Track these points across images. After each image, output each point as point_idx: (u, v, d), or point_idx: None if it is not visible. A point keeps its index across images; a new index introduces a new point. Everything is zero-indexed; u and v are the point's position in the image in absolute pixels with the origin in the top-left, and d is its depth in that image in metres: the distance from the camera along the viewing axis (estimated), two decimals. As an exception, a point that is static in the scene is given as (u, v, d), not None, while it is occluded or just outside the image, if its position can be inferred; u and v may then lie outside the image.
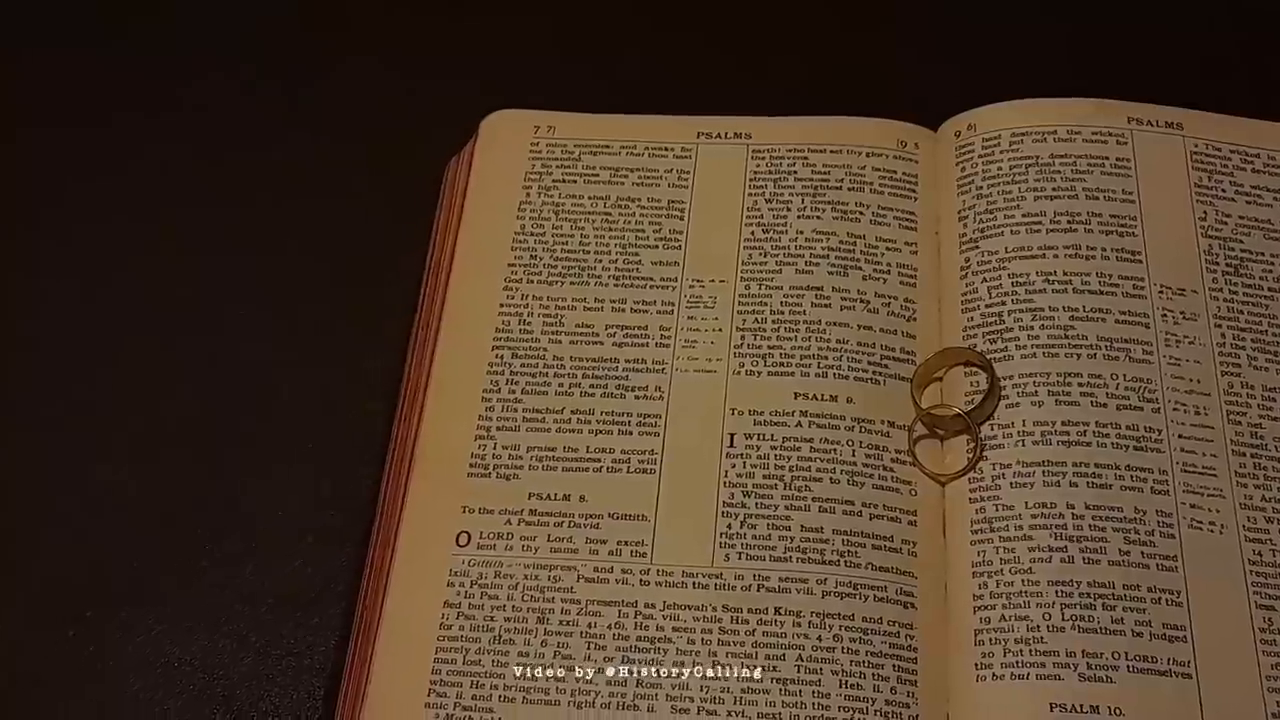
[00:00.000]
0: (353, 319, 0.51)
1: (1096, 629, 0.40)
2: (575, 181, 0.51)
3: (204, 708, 0.43)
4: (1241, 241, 0.48)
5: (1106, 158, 0.49)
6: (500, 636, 0.42)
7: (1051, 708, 0.39)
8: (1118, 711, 0.39)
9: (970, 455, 0.44)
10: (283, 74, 0.58)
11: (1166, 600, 0.41)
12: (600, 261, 0.49)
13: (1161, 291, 0.46)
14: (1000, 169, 0.49)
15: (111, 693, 0.44)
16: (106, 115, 0.57)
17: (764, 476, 0.44)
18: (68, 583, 0.46)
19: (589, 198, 0.51)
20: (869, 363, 0.46)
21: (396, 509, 0.44)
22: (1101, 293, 0.46)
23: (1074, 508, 0.42)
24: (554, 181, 0.51)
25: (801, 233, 0.49)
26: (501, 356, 0.47)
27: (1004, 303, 0.46)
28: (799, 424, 0.45)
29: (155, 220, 0.54)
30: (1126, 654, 0.40)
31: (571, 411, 0.46)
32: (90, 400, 0.49)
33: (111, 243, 0.53)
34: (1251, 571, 0.42)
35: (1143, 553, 0.42)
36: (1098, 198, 0.48)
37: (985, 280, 0.47)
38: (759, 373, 0.46)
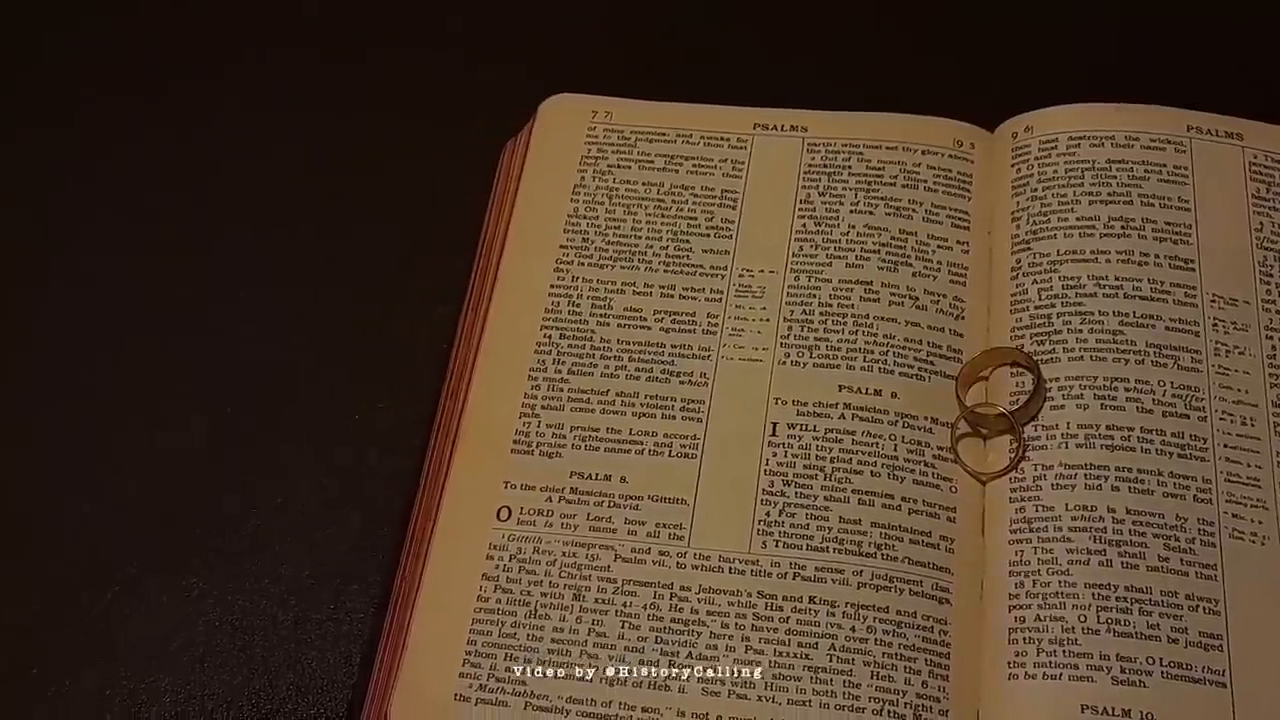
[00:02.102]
0: (404, 295, 0.51)
1: (1132, 633, 0.40)
2: (630, 167, 0.51)
3: (240, 668, 0.44)
4: (1297, 254, 0.47)
5: (1164, 165, 0.49)
6: (536, 611, 0.42)
7: (1083, 709, 0.39)
8: (1149, 717, 0.39)
9: (1013, 455, 0.44)
10: (342, 53, 0.59)
11: (1204, 608, 0.41)
12: (651, 247, 0.49)
13: (1213, 301, 0.46)
14: (1056, 171, 0.49)
15: (148, 650, 0.44)
16: (189, 78, 0.58)
17: (805, 466, 0.44)
18: (111, 540, 0.46)
19: (643, 184, 0.51)
20: (915, 359, 0.46)
21: (440, 482, 0.45)
22: (1152, 299, 0.46)
23: (1114, 512, 0.42)
24: (609, 167, 0.51)
25: (853, 227, 0.49)
26: (549, 337, 0.47)
27: (1054, 305, 0.46)
28: (842, 416, 0.45)
29: (197, 197, 0.55)
30: (1161, 660, 0.40)
31: (616, 394, 0.46)
32: (141, 357, 0.50)
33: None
34: (1292, 584, 0.41)
35: (1182, 560, 0.41)
36: (1153, 204, 0.48)
37: (1036, 282, 0.47)
38: (804, 364, 0.46)
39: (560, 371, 0.47)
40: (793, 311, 0.47)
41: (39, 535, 0.47)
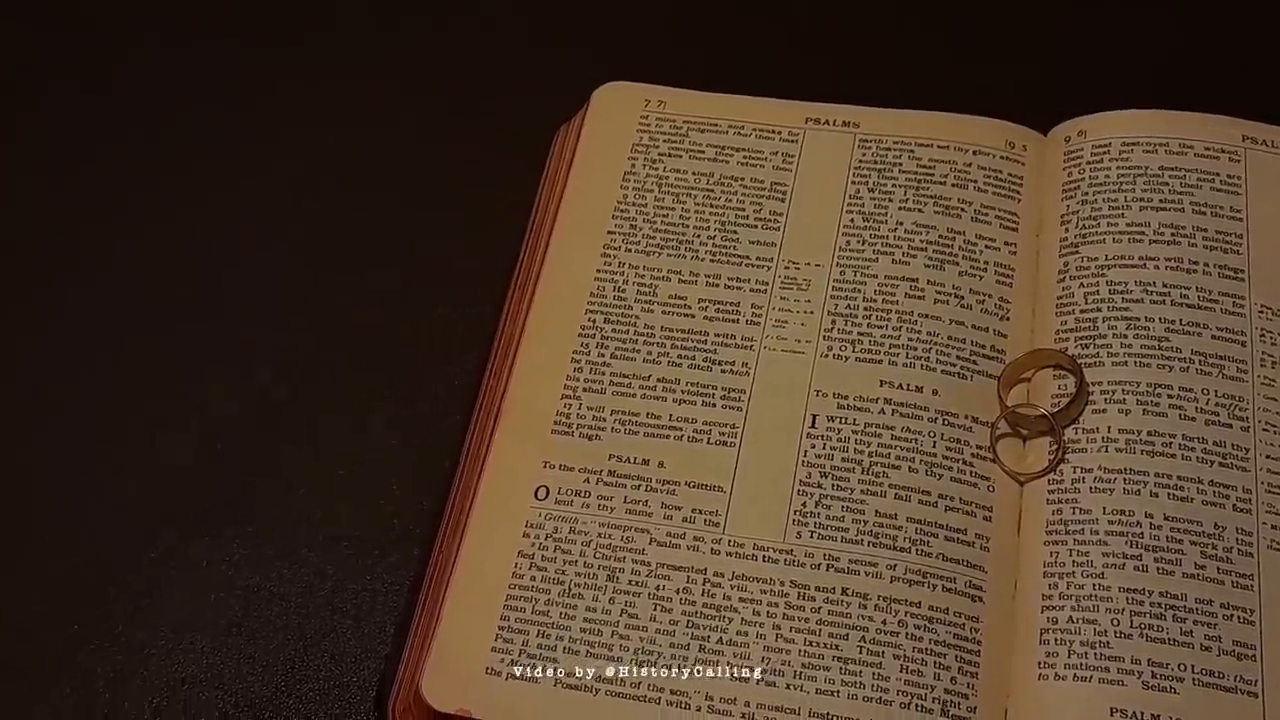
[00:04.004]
0: (451, 272, 0.52)
1: (1165, 639, 0.40)
2: (681, 157, 0.52)
3: (276, 634, 0.45)
4: (1349, 268, 0.47)
5: (1217, 174, 0.49)
6: (570, 590, 0.42)
7: (1112, 712, 0.39)
8: (1178, 722, 0.39)
9: (1052, 457, 0.44)
10: (400, 29, 0.59)
11: (1239, 618, 0.41)
12: (699, 236, 0.50)
13: (1261, 311, 0.46)
14: (1108, 176, 0.49)
15: (187, 611, 0.45)
16: (242, 48, 0.59)
17: (842, 459, 0.44)
18: (155, 501, 0.47)
19: (693, 173, 0.51)
20: (957, 357, 0.46)
21: (480, 458, 0.45)
22: (1200, 307, 0.46)
23: (1152, 518, 0.42)
24: (660, 155, 0.52)
25: (901, 224, 0.49)
26: (594, 321, 0.48)
27: (1099, 309, 0.46)
28: (882, 411, 0.45)
29: (252, 172, 0.55)
30: (1193, 667, 0.40)
31: (658, 379, 0.46)
32: (190, 324, 0.51)
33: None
34: (1329, 598, 0.41)
35: (1219, 568, 0.41)
36: (1204, 213, 0.48)
37: (1082, 285, 0.47)
38: (846, 358, 0.46)
39: (603, 356, 0.47)
40: (837, 305, 0.47)
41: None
